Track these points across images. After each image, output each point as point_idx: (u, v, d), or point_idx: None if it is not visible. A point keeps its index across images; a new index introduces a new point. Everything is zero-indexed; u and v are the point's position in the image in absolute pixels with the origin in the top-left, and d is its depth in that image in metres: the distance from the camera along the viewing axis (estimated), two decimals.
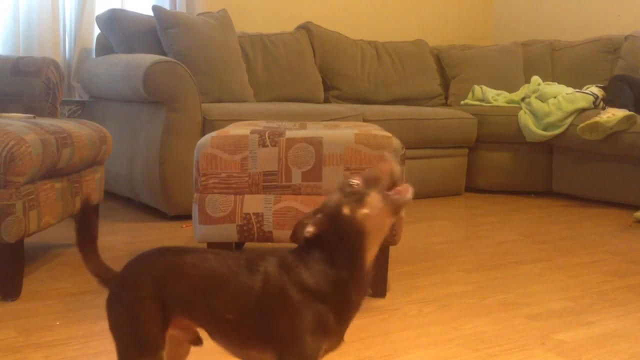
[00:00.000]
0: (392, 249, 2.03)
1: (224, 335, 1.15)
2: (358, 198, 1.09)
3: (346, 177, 1.15)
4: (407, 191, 1.10)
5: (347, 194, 1.10)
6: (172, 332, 1.16)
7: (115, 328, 1.13)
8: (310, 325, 1.08)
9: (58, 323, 1.73)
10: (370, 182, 1.10)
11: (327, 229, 1.10)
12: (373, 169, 1.14)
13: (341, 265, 1.10)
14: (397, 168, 1.12)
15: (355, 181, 1.11)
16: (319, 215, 1.12)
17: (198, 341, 1.22)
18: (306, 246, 1.12)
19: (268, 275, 1.11)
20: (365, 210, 1.08)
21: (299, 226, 1.13)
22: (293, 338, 1.09)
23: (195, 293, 1.12)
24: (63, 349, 1.56)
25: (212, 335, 1.16)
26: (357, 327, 1.76)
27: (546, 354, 1.62)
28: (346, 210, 1.09)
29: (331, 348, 1.12)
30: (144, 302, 1.11)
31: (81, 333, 1.66)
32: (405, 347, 1.64)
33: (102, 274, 1.19)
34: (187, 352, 1.26)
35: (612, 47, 4.44)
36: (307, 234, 1.11)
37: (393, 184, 1.11)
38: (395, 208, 1.10)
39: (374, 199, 1.09)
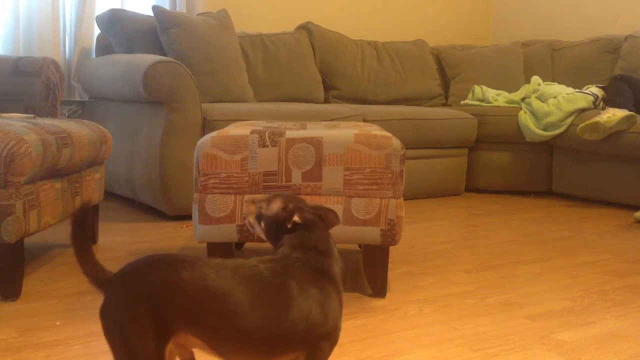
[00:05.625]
0: (392, 249, 2.03)
1: (248, 352, 1.13)
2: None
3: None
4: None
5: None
6: (169, 347, 1.14)
7: (111, 343, 1.11)
8: (339, 308, 1.23)
9: (58, 323, 1.73)
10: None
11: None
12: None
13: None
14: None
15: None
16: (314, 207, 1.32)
17: None
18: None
19: (290, 274, 1.18)
20: None
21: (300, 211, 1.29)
22: (330, 326, 1.19)
23: (209, 315, 1.09)
24: (63, 349, 1.56)
25: (229, 355, 1.14)
26: (357, 327, 1.76)
27: (546, 354, 1.62)
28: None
29: None
30: (139, 321, 1.08)
31: (81, 333, 1.66)
32: (405, 347, 1.64)
33: (95, 275, 1.15)
34: None
35: (612, 47, 4.44)
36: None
37: None
38: None
39: None
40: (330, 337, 1.20)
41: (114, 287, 1.13)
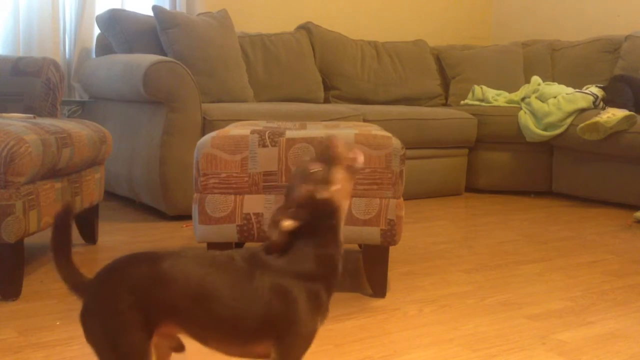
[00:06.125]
0: (392, 249, 2.03)
1: (222, 338, 1.15)
2: (324, 179, 1.18)
3: (302, 165, 1.24)
4: (359, 154, 1.21)
5: (312, 180, 1.18)
6: (154, 340, 1.15)
7: (96, 342, 1.11)
8: (306, 305, 1.16)
9: (58, 323, 1.73)
10: (327, 159, 1.19)
11: (305, 218, 1.18)
12: (323, 146, 1.23)
13: (327, 243, 1.19)
14: (343, 142, 1.22)
15: (315, 166, 1.20)
16: (292, 209, 1.18)
17: (180, 347, 1.21)
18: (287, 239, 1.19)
19: (259, 268, 1.16)
20: (334, 187, 1.18)
21: (273, 225, 1.19)
22: (292, 320, 1.15)
23: (187, 302, 1.11)
24: (63, 349, 1.56)
25: (207, 341, 1.15)
26: (357, 327, 1.76)
27: (546, 354, 1.62)
28: (320, 195, 1.18)
29: (322, 321, 1.20)
30: (123, 315, 1.08)
31: (81, 333, 1.64)
32: (405, 347, 1.64)
33: (74, 279, 1.16)
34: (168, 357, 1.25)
35: (612, 47, 4.44)
36: (286, 228, 1.17)
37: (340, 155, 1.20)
38: (354, 173, 1.22)
39: (338, 173, 1.19)
40: (293, 326, 1.15)
41: (95, 288, 1.14)
